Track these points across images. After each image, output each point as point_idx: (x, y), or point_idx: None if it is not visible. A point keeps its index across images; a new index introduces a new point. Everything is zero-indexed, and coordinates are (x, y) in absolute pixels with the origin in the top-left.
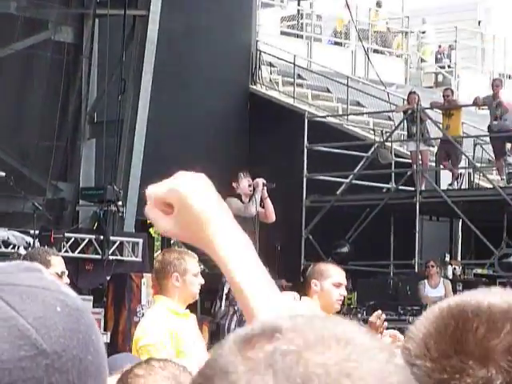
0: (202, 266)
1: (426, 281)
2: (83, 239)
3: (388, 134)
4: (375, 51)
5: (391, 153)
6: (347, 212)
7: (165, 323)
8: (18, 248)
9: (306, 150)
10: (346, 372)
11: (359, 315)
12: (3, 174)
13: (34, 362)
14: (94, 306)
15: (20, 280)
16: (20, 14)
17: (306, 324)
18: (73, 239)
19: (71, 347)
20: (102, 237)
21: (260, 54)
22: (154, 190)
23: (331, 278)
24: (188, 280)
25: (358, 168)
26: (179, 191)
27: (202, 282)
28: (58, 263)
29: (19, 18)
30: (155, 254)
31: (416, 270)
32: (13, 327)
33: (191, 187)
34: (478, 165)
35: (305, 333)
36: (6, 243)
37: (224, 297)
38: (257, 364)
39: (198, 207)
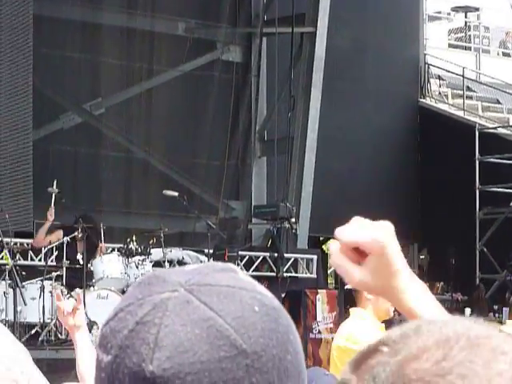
0: None
1: None
2: (257, 257)
3: None
4: None
5: None
6: None
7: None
8: None
9: (477, 162)
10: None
11: None
12: (176, 194)
13: (234, 363)
14: None
15: (216, 280)
16: (188, 35)
17: (414, 331)
18: (247, 257)
19: (271, 347)
20: (276, 254)
21: (428, 67)
22: (345, 235)
23: None
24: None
25: None
26: (380, 239)
27: None
28: None
29: (187, 40)
30: (329, 270)
31: None
32: (211, 327)
33: (387, 236)
34: None
35: (410, 340)
36: (181, 263)
37: None
38: (363, 381)
39: (394, 257)
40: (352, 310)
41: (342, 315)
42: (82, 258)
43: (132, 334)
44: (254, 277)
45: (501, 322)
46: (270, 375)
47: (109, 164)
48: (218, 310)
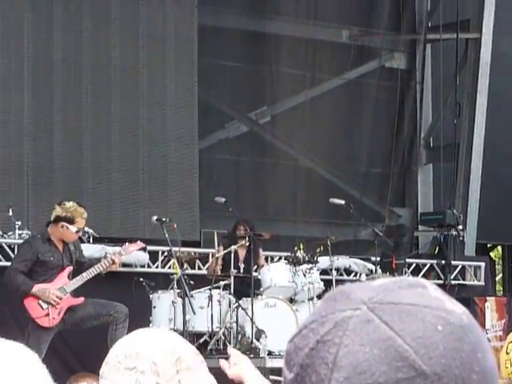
0: None
1: None
2: (424, 265)
3: None
4: None
5: None
6: None
7: None
8: (360, 275)
9: None
10: None
11: None
12: (343, 202)
13: None
14: None
15: (400, 298)
16: (352, 42)
17: None
18: (414, 265)
19: (453, 367)
20: (443, 262)
21: None
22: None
23: None
24: None
25: None
26: None
27: None
28: None
29: (351, 47)
30: (497, 278)
31: None
32: (390, 348)
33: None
34: None
35: None
36: (348, 271)
37: None
38: None
39: None
40: None
41: (511, 323)
42: (244, 266)
43: (313, 352)
44: None
45: None
46: None
47: (274, 172)
48: (399, 330)
